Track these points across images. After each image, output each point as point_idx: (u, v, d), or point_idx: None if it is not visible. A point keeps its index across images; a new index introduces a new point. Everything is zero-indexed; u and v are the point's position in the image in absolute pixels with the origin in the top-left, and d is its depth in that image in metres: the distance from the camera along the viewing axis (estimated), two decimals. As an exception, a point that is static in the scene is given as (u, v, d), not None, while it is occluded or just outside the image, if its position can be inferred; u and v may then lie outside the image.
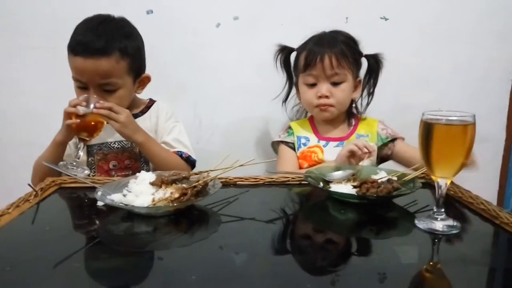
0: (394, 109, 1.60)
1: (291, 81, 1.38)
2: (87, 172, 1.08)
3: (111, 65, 1.13)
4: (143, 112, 1.31)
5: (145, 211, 0.77)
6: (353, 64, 1.26)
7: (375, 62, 1.31)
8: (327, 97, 1.24)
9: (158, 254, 0.68)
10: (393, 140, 1.32)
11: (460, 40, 1.61)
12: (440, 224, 0.73)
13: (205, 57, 1.58)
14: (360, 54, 1.30)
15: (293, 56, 1.36)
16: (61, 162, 1.08)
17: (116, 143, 1.25)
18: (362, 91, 1.35)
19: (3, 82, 1.56)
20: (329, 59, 1.21)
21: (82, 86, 1.15)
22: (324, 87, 1.24)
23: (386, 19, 1.58)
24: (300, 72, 1.29)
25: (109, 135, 1.24)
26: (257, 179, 1.03)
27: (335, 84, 1.25)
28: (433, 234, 0.72)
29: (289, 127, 1.38)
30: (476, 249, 0.71)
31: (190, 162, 1.26)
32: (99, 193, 0.80)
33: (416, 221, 0.76)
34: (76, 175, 1.01)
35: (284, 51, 1.35)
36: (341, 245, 0.72)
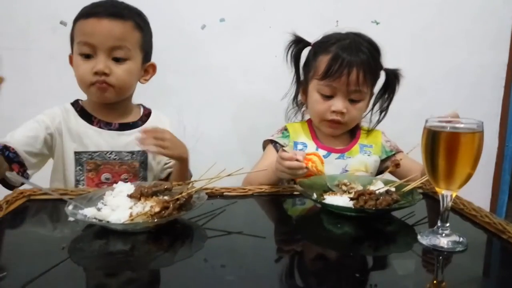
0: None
1: (299, 78, 1.23)
2: None
3: (126, 29, 1.02)
4: (142, 120, 1.16)
5: (121, 228, 0.70)
6: (374, 80, 1.16)
7: (394, 78, 1.18)
8: (342, 113, 1.12)
9: (136, 275, 0.61)
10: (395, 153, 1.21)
11: (452, 46, 1.58)
12: (445, 240, 0.68)
13: (189, 60, 1.51)
14: (381, 67, 1.18)
15: (305, 50, 1.21)
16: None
17: (113, 153, 1.07)
18: (374, 105, 1.22)
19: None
20: (356, 74, 1.07)
21: (88, 53, 1.00)
22: (341, 104, 1.10)
23: (377, 23, 1.54)
24: (315, 77, 1.13)
25: (104, 142, 1.06)
26: (246, 190, 0.97)
27: (352, 101, 1.12)
28: (437, 251, 0.67)
29: (285, 129, 1.25)
30: (484, 267, 0.67)
31: None
32: (70, 207, 0.73)
33: (419, 237, 0.70)
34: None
35: (299, 44, 1.19)
36: (338, 263, 0.67)
